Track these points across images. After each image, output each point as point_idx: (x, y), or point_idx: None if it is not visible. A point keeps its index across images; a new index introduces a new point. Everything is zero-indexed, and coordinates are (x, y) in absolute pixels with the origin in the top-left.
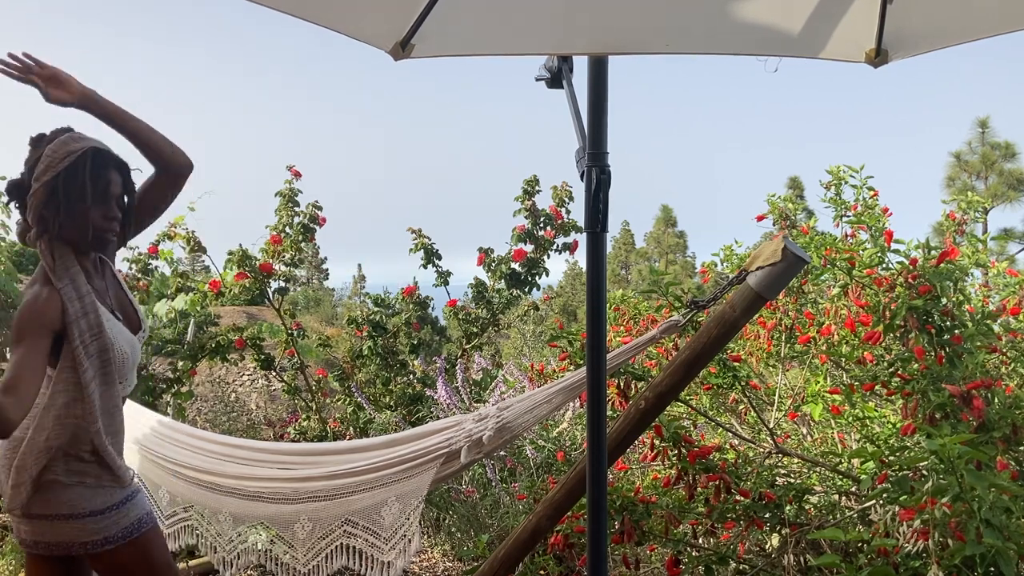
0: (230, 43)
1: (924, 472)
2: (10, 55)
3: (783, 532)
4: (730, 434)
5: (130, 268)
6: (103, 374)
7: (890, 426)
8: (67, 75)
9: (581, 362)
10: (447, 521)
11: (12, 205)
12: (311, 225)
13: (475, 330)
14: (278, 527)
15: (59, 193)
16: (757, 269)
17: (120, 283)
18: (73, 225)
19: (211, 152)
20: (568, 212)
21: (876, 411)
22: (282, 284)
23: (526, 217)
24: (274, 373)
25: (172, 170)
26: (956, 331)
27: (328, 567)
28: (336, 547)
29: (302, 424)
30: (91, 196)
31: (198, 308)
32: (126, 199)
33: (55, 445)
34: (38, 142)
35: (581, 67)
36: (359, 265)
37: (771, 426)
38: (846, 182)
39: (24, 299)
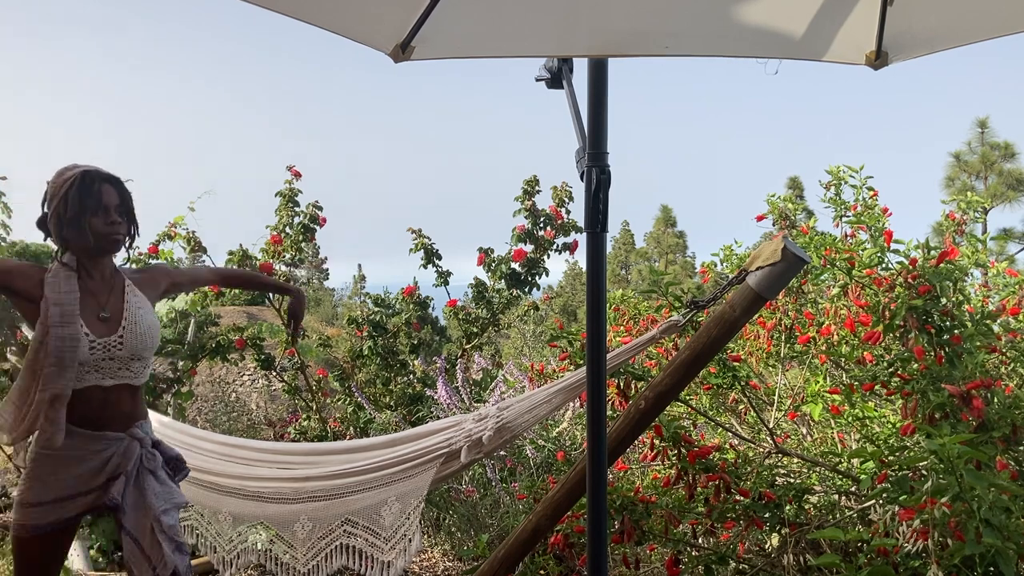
0: (230, 44)
1: (924, 472)
2: None
3: (783, 532)
4: (730, 434)
5: (131, 268)
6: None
7: (890, 426)
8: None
9: (581, 362)
10: (447, 521)
11: (48, 239)
12: (311, 225)
13: (475, 330)
14: (278, 527)
15: (64, 214)
16: (757, 269)
17: (124, 292)
18: (82, 237)
19: (211, 152)
20: (568, 212)
21: (876, 411)
22: None
23: (526, 217)
24: (274, 373)
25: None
26: (956, 331)
27: (328, 567)
28: (336, 547)
29: (302, 424)
30: (89, 209)
31: (198, 308)
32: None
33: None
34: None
35: (581, 67)
36: (359, 265)
37: (771, 426)
38: (846, 182)
39: None
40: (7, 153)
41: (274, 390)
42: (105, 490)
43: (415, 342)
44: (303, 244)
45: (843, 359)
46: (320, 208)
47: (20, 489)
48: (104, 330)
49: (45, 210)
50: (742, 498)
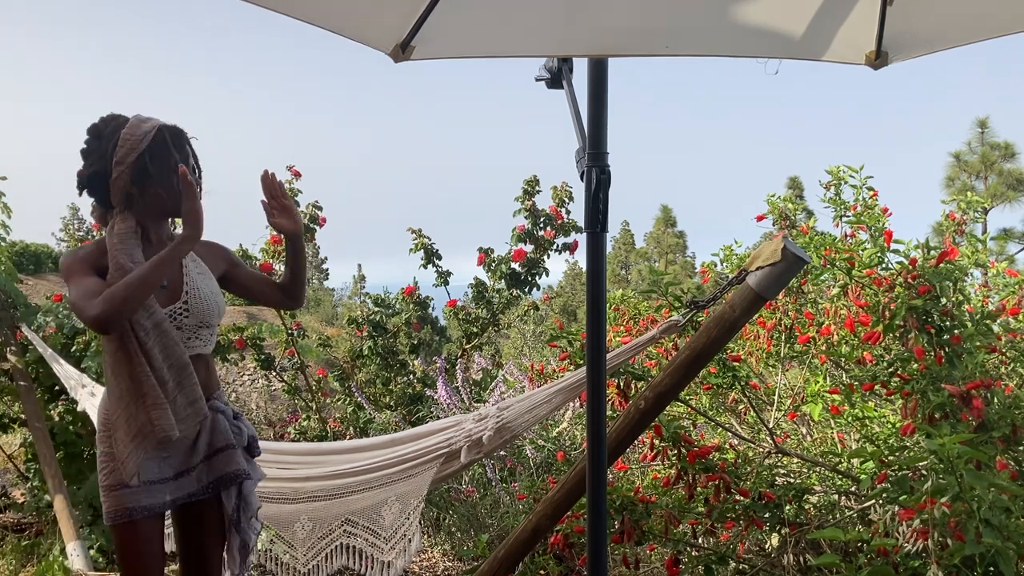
0: (230, 42)
1: (924, 472)
2: (267, 175)
3: (783, 532)
4: (730, 434)
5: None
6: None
7: (890, 426)
8: (296, 212)
9: (581, 362)
10: (447, 521)
11: (87, 194)
12: (311, 225)
13: (475, 330)
14: (278, 527)
15: (148, 169)
16: (757, 269)
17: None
18: (163, 195)
19: (211, 152)
20: (568, 212)
21: (876, 411)
22: None
23: (526, 217)
24: (274, 373)
25: (288, 302)
26: (955, 331)
27: (328, 567)
28: (336, 547)
29: (302, 424)
30: (170, 166)
31: None
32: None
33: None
34: (98, 133)
35: (581, 67)
36: (359, 265)
37: (771, 426)
38: (846, 182)
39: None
40: (7, 153)
41: (274, 390)
42: (209, 470)
43: (415, 342)
44: None
45: (843, 359)
46: (320, 208)
47: (105, 473)
48: (166, 299)
49: (106, 166)
50: (742, 498)
